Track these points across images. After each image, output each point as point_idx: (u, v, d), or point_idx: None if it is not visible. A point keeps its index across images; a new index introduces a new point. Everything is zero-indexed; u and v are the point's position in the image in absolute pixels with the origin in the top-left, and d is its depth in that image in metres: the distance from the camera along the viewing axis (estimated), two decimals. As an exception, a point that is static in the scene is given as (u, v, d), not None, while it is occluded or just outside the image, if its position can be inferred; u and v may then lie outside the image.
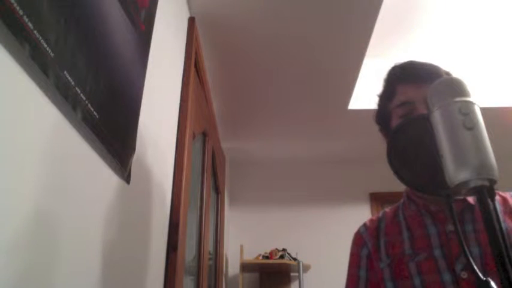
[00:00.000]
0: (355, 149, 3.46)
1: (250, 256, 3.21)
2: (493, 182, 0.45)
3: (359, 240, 0.95)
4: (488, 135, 0.47)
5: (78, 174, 0.69)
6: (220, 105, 2.69)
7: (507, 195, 0.84)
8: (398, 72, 0.91)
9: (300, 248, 3.24)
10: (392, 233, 0.88)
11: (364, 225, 0.97)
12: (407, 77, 0.88)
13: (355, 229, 0.99)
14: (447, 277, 0.76)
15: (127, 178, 0.92)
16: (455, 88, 0.51)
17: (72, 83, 0.63)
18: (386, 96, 0.92)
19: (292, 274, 3.26)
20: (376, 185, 3.53)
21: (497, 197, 0.83)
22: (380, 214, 0.97)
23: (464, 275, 0.74)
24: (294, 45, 2.11)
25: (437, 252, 0.79)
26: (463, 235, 0.77)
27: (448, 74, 0.88)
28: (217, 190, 2.80)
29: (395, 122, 0.87)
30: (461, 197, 0.82)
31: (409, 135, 0.60)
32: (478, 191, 0.44)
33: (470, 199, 0.82)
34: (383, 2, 1.82)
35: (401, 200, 0.94)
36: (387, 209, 0.96)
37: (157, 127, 1.22)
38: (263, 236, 3.40)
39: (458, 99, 0.50)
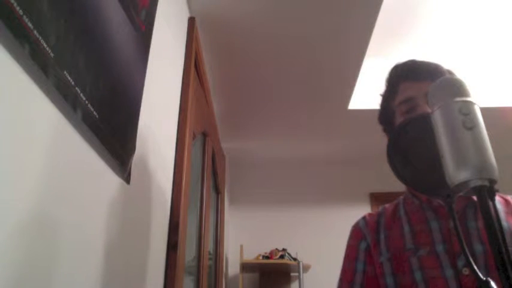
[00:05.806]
0: (355, 149, 3.45)
1: (250, 256, 3.21)
2: (493, 182, 0.45)
3: (358, 233, 0.95)
4: (488, 135, 0.47)
5: (78, 174, 0.69)
6: (220, 105, 2.68)
7: (508, 197, 0.85)
8: (400, 70, 0.92)
9: (300, 248, 3.24)
10: (393, 227, 0.88)
11: (364, 218, 0.96)
12: (409, 75, 0.89)
13: (355, 229, 0.98)
14: (449, 273, 0.75)
15: (127, 178, 0.92)
16: (455, 88, 0.51)
17: (72, 83, 0.63)
18: (389, 95, 0.93)
19: (292, 274, 3.26)
20: (376, 185, 3.53)
21: (499, 199, 0.83)
22: (379, 209, 0.97)
23: (466, 271, 0.74)
24: (294, 45, 2.10)
25: (439, 248, 0.78)
26: (466, 232, 0.77)
27: (450, 72, 0.89)
28: (217, 190, 2.80)
29: (399, 119, 0.88)
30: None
31: (409, 135, 0.60)
32: (478, 191, 0.44)
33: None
34: (383, 2, 1.82)
35: (402, 196, 0.94)
36: (387, 205, 0.96)
37: (157, 127, 1.22)
38: (263, 236, 3.40)
39: (458, 99, 0.50)
